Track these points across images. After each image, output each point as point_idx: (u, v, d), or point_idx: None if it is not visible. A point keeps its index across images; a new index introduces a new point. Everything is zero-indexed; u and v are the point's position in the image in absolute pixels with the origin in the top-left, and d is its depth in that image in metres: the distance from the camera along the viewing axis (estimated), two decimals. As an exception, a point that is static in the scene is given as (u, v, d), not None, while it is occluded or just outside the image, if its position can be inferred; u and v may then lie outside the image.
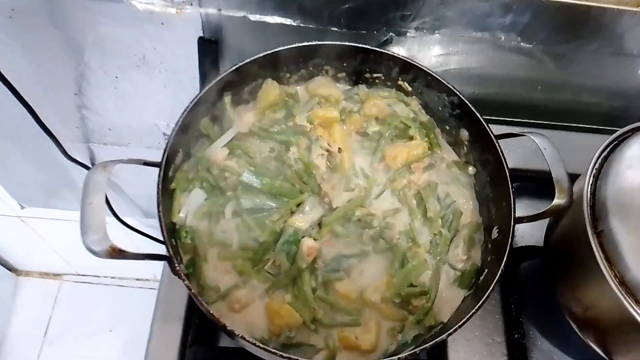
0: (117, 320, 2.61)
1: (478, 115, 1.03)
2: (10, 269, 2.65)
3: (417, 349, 0.85)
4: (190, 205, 0.99)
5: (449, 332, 0.85)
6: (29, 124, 1.36)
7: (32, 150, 1.70)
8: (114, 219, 1.98)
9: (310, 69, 1.12)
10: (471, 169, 1.10)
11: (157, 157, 0.94)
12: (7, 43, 1.29)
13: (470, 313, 0.85)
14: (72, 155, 1.62)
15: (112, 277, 2.75)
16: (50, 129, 1.43)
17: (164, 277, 1.13)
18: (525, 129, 1.36)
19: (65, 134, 1.57)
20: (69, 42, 1.29)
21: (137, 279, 2.75)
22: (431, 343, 0.84)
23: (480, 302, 0.86)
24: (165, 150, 0.94)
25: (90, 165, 1.77)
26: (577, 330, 1.04)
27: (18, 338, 2.57)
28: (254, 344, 0.79)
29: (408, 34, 1.21)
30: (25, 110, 1.31)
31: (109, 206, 1.87)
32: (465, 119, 1.07)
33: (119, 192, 1.96)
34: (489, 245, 1.02)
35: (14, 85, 1.24)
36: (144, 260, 0.88)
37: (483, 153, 1.06)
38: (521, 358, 1.09)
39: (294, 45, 1.04)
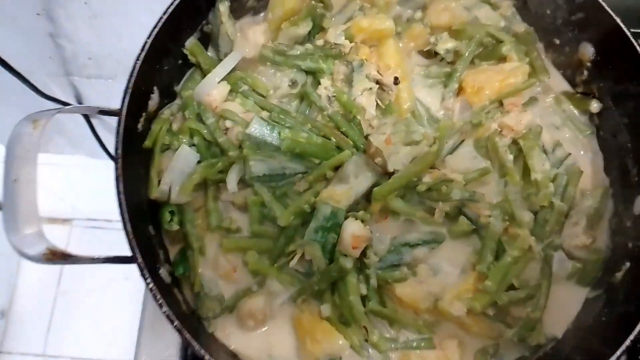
0: (134, 268, 2.47)
1: (614, 16, 0.71)
2: (13, 215, 2.50)
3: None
4: (175, 172, 0.71)
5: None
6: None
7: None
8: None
9: (349, -44, 0.79)
10: (595, 105, 0.80)
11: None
12: None
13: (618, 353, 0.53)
14: (50, 93, 1.37)
15: (125, 221, 2.60)
16: (9, 61, 1.16)
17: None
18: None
19: (37, 66, 1.33)
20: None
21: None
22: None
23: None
24: (126, 90, 0.61)
25: (76, 104, 1.50)
26: None
27: (31, 286, 2.47)
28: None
29: None
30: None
31: (104, 149, 1.60)
32: (590, 26, 0.75)
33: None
34: (627, 223, 0.71)
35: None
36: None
37: (618, 81, 0.77)
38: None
39: None
